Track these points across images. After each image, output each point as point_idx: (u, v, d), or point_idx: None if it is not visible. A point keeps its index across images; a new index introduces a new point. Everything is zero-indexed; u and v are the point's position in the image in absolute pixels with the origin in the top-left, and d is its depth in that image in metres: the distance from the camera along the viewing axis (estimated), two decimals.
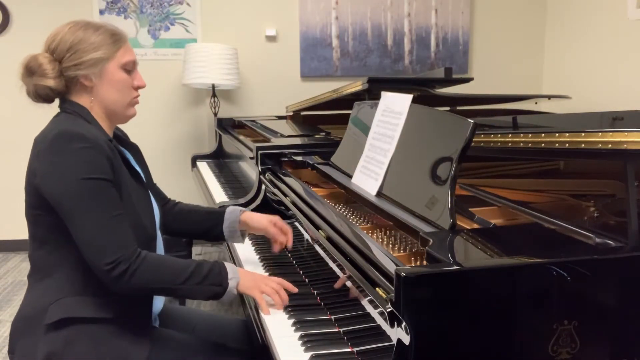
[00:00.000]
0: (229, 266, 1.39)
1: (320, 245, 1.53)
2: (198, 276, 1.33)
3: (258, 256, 1.78)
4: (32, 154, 1.35)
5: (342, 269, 1.35)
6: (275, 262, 1.71)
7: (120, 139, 1.55)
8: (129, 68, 1.45)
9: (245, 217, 1.66)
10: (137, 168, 1.49)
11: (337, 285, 1.40)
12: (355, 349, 1.18)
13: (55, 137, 1.30)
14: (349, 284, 1.34)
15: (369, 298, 1.18)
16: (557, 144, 1.26)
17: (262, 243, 1.89)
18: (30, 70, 1.37)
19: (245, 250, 1.84)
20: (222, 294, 1.35)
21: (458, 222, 1.23)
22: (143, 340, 1.37)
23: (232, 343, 1.57)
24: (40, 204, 1.33)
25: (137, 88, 1.47)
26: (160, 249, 1.52)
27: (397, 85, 2.76)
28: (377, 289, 1.06)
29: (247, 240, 1.93)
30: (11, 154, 3.89)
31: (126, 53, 1.44)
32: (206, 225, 1.68)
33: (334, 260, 1.40)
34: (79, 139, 1.29)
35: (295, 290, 1.41)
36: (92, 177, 1.28)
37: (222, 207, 1.71)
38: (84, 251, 1.28)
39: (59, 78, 1.37)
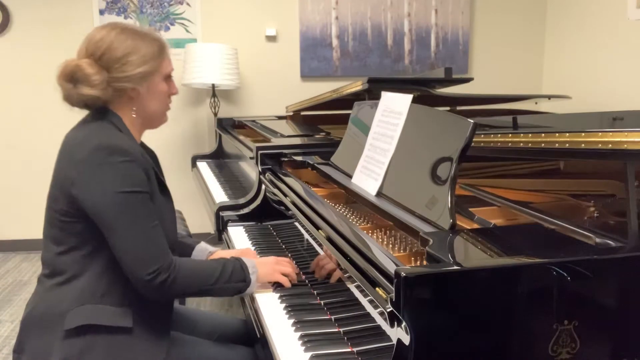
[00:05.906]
0: (247, 261, 1.45)
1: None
2: (225, 275, 1.39)
3: (258, 256, 1.77)
4: (66, 160, 1.34)
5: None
6: None
7: (142, 146, 1.53)
8: (169, 78, 1.47)
9: (214, 257, 1.61)
10: (162, 177, 1.49)
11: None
12: (355, 349, 1.18)
13: (95, 150, 1.29)
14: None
15: (369, 298, 1.18)
16: (557, 144, 1.25)
17: (262, 243, 1.89)
18: (75, 79, 1.33)
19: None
20: (246, 288, 1.42)
21: (458, 222, 1.22)
22: (159, 348, 1.37)
23: (232, 343, 1.57)
24: (72, 212, 1.32)
25: (171, 95, 1.49)
26: None
27: (397, 85, 2.76)
28: (377, 289, 1.06)
29: (247, 240, 1.94)
30: (11, 154, 3.87)
31: (169, 63, 1.46)
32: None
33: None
34: (119, 152, 1.29)
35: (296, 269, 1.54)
36: (132, 190, 1.29)
37: (194, 242, 1.68)
38: (124, 262, 1.29)
39: (107, 88, 1.35)
